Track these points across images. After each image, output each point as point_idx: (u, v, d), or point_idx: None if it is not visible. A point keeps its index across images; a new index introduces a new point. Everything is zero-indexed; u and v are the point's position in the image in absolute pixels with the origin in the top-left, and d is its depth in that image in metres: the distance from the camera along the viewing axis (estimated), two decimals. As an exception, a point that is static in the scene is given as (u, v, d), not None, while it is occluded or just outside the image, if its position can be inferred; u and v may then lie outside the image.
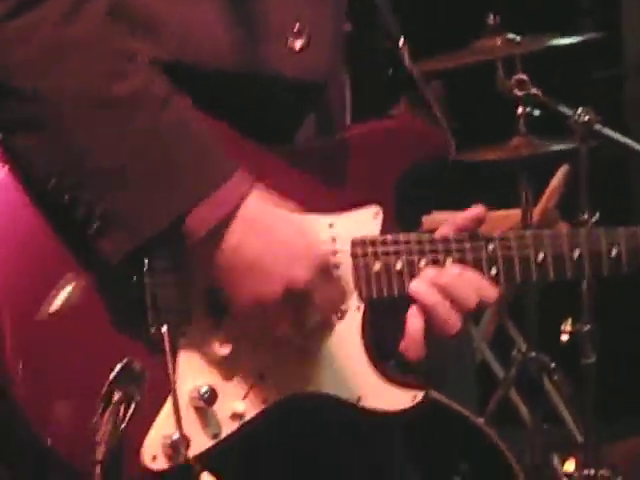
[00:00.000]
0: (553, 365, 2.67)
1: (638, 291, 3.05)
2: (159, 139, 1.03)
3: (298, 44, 1.18)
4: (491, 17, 2.51)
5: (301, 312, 1.07)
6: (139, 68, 1.04)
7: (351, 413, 1.19)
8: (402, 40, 1.33)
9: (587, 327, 2.34)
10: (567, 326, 2.41)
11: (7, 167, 1.03)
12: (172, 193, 1.02)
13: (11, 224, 1.07)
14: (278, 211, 1.09)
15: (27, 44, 1.00)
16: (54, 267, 1.06)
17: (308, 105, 1.23)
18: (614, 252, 1.22)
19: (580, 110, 2.18)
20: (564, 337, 2.41)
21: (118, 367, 0.99)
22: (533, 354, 2.67)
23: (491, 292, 1.17)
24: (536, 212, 2.70)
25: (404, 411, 1.19)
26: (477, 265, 1.19)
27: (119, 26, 1.05)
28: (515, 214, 2.67)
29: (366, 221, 1.21)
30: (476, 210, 1.22)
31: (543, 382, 2.76)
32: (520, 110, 2.44)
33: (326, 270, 1.09)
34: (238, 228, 1.04)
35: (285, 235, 1.08)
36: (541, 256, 1.21)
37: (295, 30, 1.17)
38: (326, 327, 1.13)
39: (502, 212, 2.73)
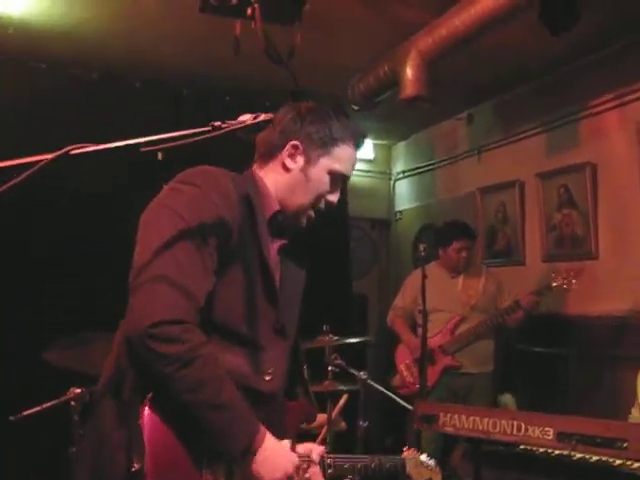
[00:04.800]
0: None
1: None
2: (240, 414, 1.66)
3: (268, 377, 1.82)
4: (325, 326, 3.84)
5: None
6: (226, 386, 1.64)
7: None
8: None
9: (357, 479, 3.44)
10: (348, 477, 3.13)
11: (150, 411, 1.60)
12: (242, 436, 1.66)
13: (162, 438, 1.61)
14: (276, 441, 1.75)
15: (185, 382, 1.57)
16: (184, 463, 1.62)
17: (272, 399, 1.86)
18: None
19: (362, 372, 3.69)
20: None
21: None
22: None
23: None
24: (333, 415, 3.67)
25: None
26: (323, 468, 1.97)
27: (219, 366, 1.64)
28: (322, 416, 3.63)
29: (287, 444, 1.81)
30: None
31: None
32: (330, 368, 3.76)
33: (298, 466, 1.79)
34: (266, 448, 1.70)
35: (282, 452, 1.75)
36: (345, 466, 2.08)
37: (269, 372, 1.82)
38: None
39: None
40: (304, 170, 1.90)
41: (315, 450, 1.91)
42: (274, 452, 1.72)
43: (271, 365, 1.83)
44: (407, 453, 2.35)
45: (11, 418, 2.98)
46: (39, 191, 4.33)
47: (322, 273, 5.16)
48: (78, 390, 3.14)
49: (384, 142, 7.38)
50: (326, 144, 1.90)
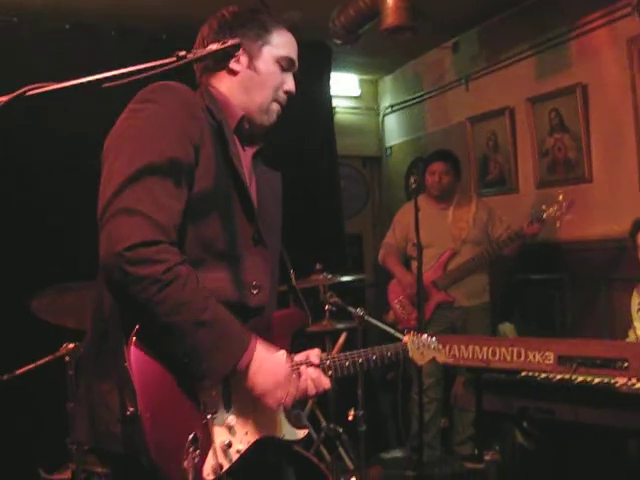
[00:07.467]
0: (341, 430, 3.81)
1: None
2: (227, 328, 1.62)
3: (255, 291, 1.80)
4: (317, 265, 3.92)
5: (283, 396, 1.71)
6: (210, 303, 1.59)
7: (279, 442, 1.84)
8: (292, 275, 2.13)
9: (360, 413, 3.53)
10: (351, 412, 3.56)
11: (143, 352, 1.54)
12: (232, 349, 1.62)
13: (153, 376, 1.56)
14: (268, 353, 1.72)
15: (167, 303, 1.51)
16: (179, 398, 1.59)
17: (261, 312, 1.84)
18: (388, 355, 2.11)
19: (359, 309, 3.60)
20: (350, 417, 3.56)
21: (191, 436, 1.55)
22: (331, 425, 3.82)
23: (328, 382, 1.87)
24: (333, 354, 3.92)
25: (301, 439, 1.87)
26: (323, 370, 1.89)
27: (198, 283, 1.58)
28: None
29: (282, 355, 1.75)
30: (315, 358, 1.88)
31: (336, 441, 3.85)
32: (327, 307, 3.85)
33: (291, 377, 1.74)
34: (256, 362, 1.67)
35: (274, 364, 1.72)
36: (347, 363, 1.99)
37: (254, 284, 1.80)
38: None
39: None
40: (251, 66, 1.91)
41: (313, 353, 1.88)
42: (266, 364, 1.69)
43: (254, 278, 1.80)
44: (407, 337, 2.28)
45: (4, 377, 2.93)
46: (20, 135, 4.31)
47: (314, 213, 5.36)
48: (71, 345, 3.11)
49: (370, 77, 7.22)
50: (262, 36, 1.92)
